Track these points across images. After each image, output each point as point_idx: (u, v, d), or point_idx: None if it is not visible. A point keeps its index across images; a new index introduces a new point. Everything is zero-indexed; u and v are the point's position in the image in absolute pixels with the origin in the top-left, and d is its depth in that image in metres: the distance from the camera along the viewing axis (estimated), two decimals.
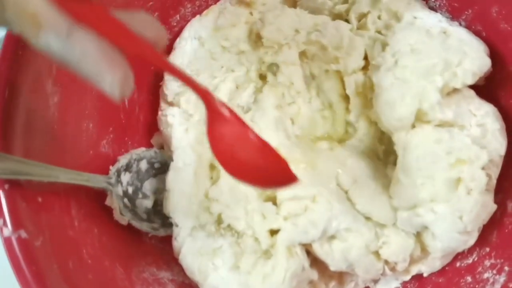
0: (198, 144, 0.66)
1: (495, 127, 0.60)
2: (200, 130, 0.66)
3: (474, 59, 0.59)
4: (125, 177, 0.65)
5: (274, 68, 0.67)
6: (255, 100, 0.67)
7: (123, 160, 0.66)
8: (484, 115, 0.60)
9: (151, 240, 0.67)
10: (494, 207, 0.60)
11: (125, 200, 0.65)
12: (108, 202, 0.64)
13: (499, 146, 0.59)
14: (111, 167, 0.65)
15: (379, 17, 0.64)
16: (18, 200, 0.53)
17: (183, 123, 0.67)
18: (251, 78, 0.67)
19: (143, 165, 0.67)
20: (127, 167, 0.66)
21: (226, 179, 0.63)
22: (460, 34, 0.61)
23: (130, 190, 0.65)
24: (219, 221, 0.64)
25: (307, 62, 0.66)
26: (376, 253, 0.61)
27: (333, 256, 0.60)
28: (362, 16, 0.65)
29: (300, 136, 0.66)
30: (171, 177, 0.65)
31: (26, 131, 0.55)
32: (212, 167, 0.65)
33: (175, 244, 0.64)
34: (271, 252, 0.60)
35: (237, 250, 0.61)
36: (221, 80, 0.67)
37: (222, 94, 0.67)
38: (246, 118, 0.66)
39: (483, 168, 0.58)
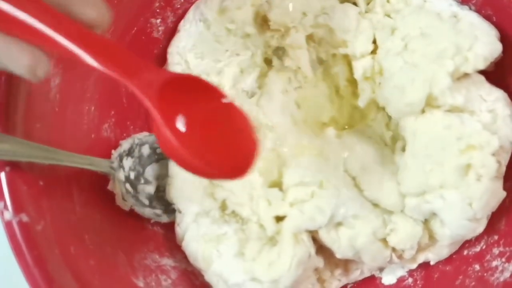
0: None
1: (506, 113, 0.59)
2: None
3: (485, 43, 0.58)
4: (127, 162, 0.64)
5: (280, 52, 0.66)
6: (260, 85, 0.66)
7: (125, 145, 0.64)
8: (494, 101, 0.59)
9: (153, 227, 0.66)
10: (503, 194, 0.59)
11: (127, 185, 0.63)
12: (110, 187, 0.62)
13: (510, 132, 0.58)
14: (113, 152, 0.63)
15: (388, 1, 0.63)
16: (19, 183, 0.53)
17: None
18: (256, 63, 0.66)
19: (145, 150, 0.66)
20: (129, 152, 0.64)
21: None
22: (471, 18, 0.60)
23: (132, 175, 0.64)
24: (223, 207, 0.63)
25: (314, 46, 0.65)
26: (384, 241, 0.60)
27: (340, 243, 0.59)
28: (371, 0, 0.64)
29: (307, 121, 0.65)
30: (173, 164, 0.64)
31: (27, 113, 0.55)
32: None
33: (178, 230, 0.63)
34: (277, 239, 0.59)
35: (242, 237, 0.60)
36: (225, 64, 0.66)
37: (226, 78, 0.65)
38: (251, 102, 0.65)
39: (493, 155, 0.57)
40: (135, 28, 0.65)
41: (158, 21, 0.67)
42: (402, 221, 0.60)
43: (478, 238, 0.62)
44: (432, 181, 0.58)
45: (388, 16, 0.62)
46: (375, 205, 0.60)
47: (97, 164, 0.60)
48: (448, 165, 0.57)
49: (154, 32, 0.67)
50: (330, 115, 0.65)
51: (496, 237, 0.61)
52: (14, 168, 0.52)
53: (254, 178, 0.62)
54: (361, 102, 0.63)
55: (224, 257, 0.60)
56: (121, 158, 0.63)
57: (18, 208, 0.52)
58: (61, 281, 0.53)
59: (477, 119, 0.58)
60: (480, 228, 0.59)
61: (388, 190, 0.60)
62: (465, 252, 0.62)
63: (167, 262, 0.65)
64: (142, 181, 0.65)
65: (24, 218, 0.52)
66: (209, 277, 0.61)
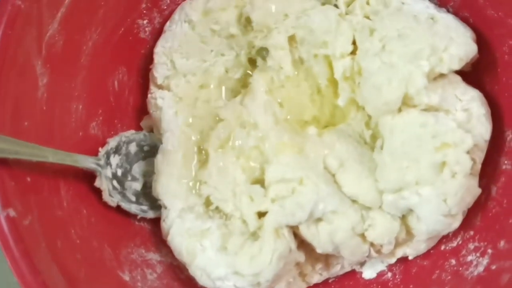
0: (187, 127, 0.66)
1: (480, 112, 0.60)
2: (190, 113, 0.67)
3: (460, 44, 0.60)
4: (115, 159, 0.66)
5: (263, 52, 0.67)
6: (244, 84, 0.68)
7: (112, 142, 0.66)
8: (469, 100, 0.60)
9: (140, 222, 0.68)
10: (478, 191, 0.61)
11: (114, 182, 0.65)
12: (97, 183, 0.64)
13: (484, 131, 0.60)
14: (100, 149, 0.65)
15: (367, 3, 0.64)
16: (6, 179, 0.54)
17: (172, 106, 0.67)
18: (241, 62, 0.68)
19: (133, 147, 0.67)
20: (117, 150, 0.66)
21: (214, 161, 0.64)
22: (447, 20, 0.61)
23: (119, 172, 0.66)
24: (207, 203, 0.64)
25: (296, 47, 0.66)
26: (362, 236, 0.62)
27: (320, 238, 0.61)
28: (351, 2, 0.65)
29: (289, 120, 0.66)
30: (160, 160, 0.66)
31: (15, 112, 0.56)
32: (200, 150, 0.66)
33: (164, 225, 0.65)
34: (259, 234, 0.61)
35: (225, 232, 0.62)
36: (211, 64, 0.67)
37: (211, 77, 0.67)
38: (236, 101, 0.66)
39: (468, 152, 0.59)
40: (122, 29, 0.66)
41: (145, 22, 0.68)
42: (380, 217, 0.61)
43: (455, 234, 0.63)
44: (408, 178, 0.59)
45: (368, 17, 0.64)
46: (354, 201, 0.62)
47: (83, 162, 0.62)
48: (423, 162, 0.59)
49: (141, 33, 0.69)
50: (312, 114, 0.67)
51: (472, 233, 0.62)
52: (2, 164, 0.54)
53: (237, 175, 0.63)
54: (341, 102, 0.64)
55: (208, 252, 0.62)
56: (108, 156, 0.65)
57: (5, 203, 0.53)
58: (47, 274, 0.54)
59: (452, 118, 0.60)
60: (456, 223, 0.61)
61: (366, 186, 0.61)
62: (442, 247, 0.64)
63: (153, 256, 0.67)
64: (129, 178, 0.67)
65: (12, 213, 0.53)
66: (193, 270, 0.63)
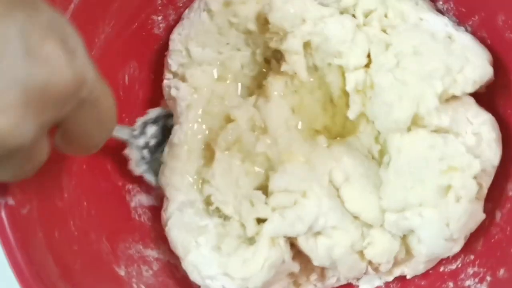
0: (197, 123, 0.66)
1: (491, 136, 0.59)
2: (202, 108, 0.66)
3: (476, 67, 0.59)
4: (151, 129, 0.67)
5: (278, 55, 0.67)
6: (259, 84, 0.67)
7: (152, 113, 0.67)
8: (481, 124, 0.59)
9: (140, 217, 0.68)
10: (482, 216, 0.60)
11: (145, 151, 0.66)
12: (126, 151, 0.65)
13: (493, 156, 0.59)
14: (138, 119, 0.66)
15: (385, 15, 0.63)
16: None
17: (185, 99, 0.66)
18: (256, 61, 0.67)
19: (171, 121, 0.68)
20: (155, 121, 0.67)
21: (219, 162, 0.64)
22: (464, 40, 0.60)
23: (152, 142, 0.67)
24: (208, 202, 0.64)
25: (311, 53, 0.66)
26: (361, 253, 0.61)
27: (317, 252, 0.60)
28: (369, 13, 0.64)
29: (300, 128, 0.66)
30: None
31: None
32: (207, 147, 0.66)
33: (164, 215, 0.65)
34: (255, 239, 0.61)
35: (222, 232, 0.62)
36: (227, 57, 0.67)
37: (228, 71, 0.67)
38: (249, 103, 0.66)
39: (474, 177, 0.58)
40: (136, 24, 0.66)
41: (160, 18, 0.68)
42: (380, 235, 0.61)
43: (455, 256, 0.63)
44: (412, 199, 0.58)
45: (384, 31, 0.63)
46: (355, 217, 0.61)
47: (119, 131, 0.63)
48: (428, 184, 0.58)
49: (155, 29, 0.68)
50: (323, 123, 0.66)
51: (472, 257, 0.61)
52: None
53: (241, 178, 0.63)
54: (351, 114, 0.63)
55: (202, 249, 0.62)
56: (145, 125, 0.66)
57: (4, 191, 0.53)
58: (42, 264, 0.54)
59: (461, 141, 0.59)
60: (457, 248, 0.60)
61: (369, 203, 0.61)
62: (441, 269, 0.63)
63: (151, 253, 0.67)
64: (160, 150, 0.67)
65: (10, 201, 0.53)
66: (185, 265, 0.63)
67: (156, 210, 0.68)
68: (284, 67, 0.65)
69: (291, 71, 0.65)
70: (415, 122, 0.59)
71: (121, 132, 0.63)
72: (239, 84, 0.67)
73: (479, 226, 0.61)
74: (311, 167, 0.62)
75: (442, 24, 0.61)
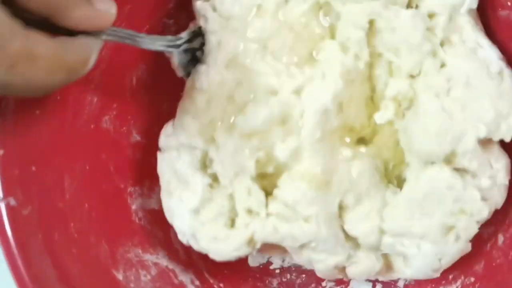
0: (225, 68, 0.59)
1: (503, 182, 0.59)
2: (235, 45, 0.58)
3: None
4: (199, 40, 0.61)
5: (332, 12, 0.59)
6: (309, 51, 0.58)
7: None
8: (499, 169, 0.58)
9: (140, 221, 0.67)
10: (469, 249, 0.60)
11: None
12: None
13: (500, 200, 0.59)
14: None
15: (447, 27, 0.58)
16: (11, 167, 0.54)
17: (216, 32, 0.59)
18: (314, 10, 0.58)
19: None
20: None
21: (233, 140, 0.58)
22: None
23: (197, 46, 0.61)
24: (206, 163, 0.61)
25: (369, 34, 0.59)
26: (342, 268, 0.61)
27: (300, 258, 0.61)
28: (433, 15, 0.58)
29: (336, 133, 0.59)
30: (184, 95, 0.62)
31: (27, 100, 0.55)
32: (230, 99, 0.59)
33: (162, 138, 0.63)
34: (235, 222, 0.60)
35: (207, 196, 0.60)
36: None
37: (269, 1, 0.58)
38: (295, 75, 0.58)
39: (478, 222, 0.58)
40: (147, 26, 0.65)
41: (171, 21, 0.67)
42: (366, 257, 0.60)
43: (455, 277, 0.63)
44: (415, 229, 0.58)
45: (442, 45, 0.58)
46: (348, 238, 0.60)
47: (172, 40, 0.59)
48: (436, 220, 0.57)
49: (166, 32, 0.67)
50: (361, 122, 0.59)
51: (472, 279, 0.61)
52: (8, 151, 0.53)
53: (248, 165, 0.59)
54: (380, 119, 0.58)
55: (182, 205, 0.61)
56: (195, 34, 0.61)
57: (7, 191, 0.53)
58: (40, 267, 0.55)
59: (477, 183, 0.57)
60: (438, 275, 0.60)
61: (371, 229, 0.59)
62: None
63: (149, 258, 0.66)
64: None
65: (12, 201, 0.53)
66: (163, 201, 0.63)
67: (157, 214, 0.68)
68: (340, 31, 0.58)
69: (346, 40, 0.58)
70: (445, 157, 0.57)
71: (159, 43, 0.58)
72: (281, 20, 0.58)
73: (481, 249, 0.61)
74: (325, 191, 0.58)
75: (496, 56, 0.57)
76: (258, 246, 0.60)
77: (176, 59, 0.61)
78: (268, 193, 0.60)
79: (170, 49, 0.60)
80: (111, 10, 0.49)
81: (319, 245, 0.59)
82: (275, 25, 0.58)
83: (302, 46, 0.58)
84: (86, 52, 0.49)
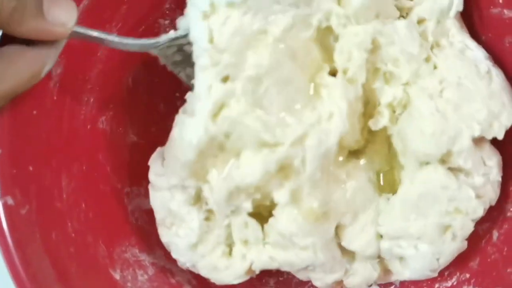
0: (213, 123, 0.55)
1: (496, 179, 0.59)
2: (225, 93, 0.55)
3: (510, 114, 0.57)
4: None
5: (331, 36, 0.58)
6: (316, 80, 0.57)
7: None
8: (492, 166, 0.59)
9: (137, 221, 0.68)
10: (465, 247, 0.60)
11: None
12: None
13: (494, 197, 0.60)
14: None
15: (435, 31, 0.59)
16: (9, 166, 0.54)
17: (207, 68, 0.56)
18: (311, 24, 0.56)
19: None
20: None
21: (227, 188, 0.57)
22: (500, 80, 0.58)
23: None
24: (201, 197, 0.60)
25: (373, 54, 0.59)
26: (340, 281, 0.62)
27: (299, 276, 0.62)
28: (423, 21, 0.59)
29: (333, 157, 0.57)
30: (173, 147, 0.58)
31: (25, 100, 0.55)
32: (221, 148, 0.56)
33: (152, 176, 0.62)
34: (234, 253, 0.60)
35: (204, 229, 0.60)
36: (281, 11, 0.55)
37: (275, 25, 0.55)
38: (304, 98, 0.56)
39: (473, 220, 0.59)
40: (143, 27, 0.65)
41: (167, 22, 0.68)
42: (363, 268, 0.61)
43: (450, 274, 0.63)
44: (412, 230, 0.58)
45: (432, 48, 0.59)
46: (345, 251, 0.60)
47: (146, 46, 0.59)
48: (431, 220, 0.58)
49: (162, 33, 0.68)
50: (355, 138, 0.59)
51: (467, 275, 0.62)
52: (5, 151, 0.54)
53: (244, 204, 0.58)
54: (374, 125, 0.59)
55: (179, 240, 0.60)
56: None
57: (5, 190, 0.53)
58: (38, 266, 0.55)
59: (471, 182, 0.58)
60: (435, 274, 0.61)
61: (368, 240, 0.59)
62: (436, 286, 0.64)
63: (146, 258, 0.66)
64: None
65: (9, 201, 0.53)
66: (162, 238, 0.63)
67: (153, 214, 0.67)
68: (337, 55, 0.57)
69: (347, 55, 0.57)
70: (441, 157, 0.58)
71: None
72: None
73: (476, 245, 0.61)
74: (322, 222, 0.57)
75: (483, 56, 0.59)
76: (257, 273, 0.61)
77: (157, 54, 0.61)
78: (264, 218, 0.59)
79: (146, 50, 0.60)
80: (68, 22, 0.47)
81: (316, 268, 0.60)
82: (275, 57, 0.55)
83: (303, 80, 0.56)
84: (38, 63, 0.48)
